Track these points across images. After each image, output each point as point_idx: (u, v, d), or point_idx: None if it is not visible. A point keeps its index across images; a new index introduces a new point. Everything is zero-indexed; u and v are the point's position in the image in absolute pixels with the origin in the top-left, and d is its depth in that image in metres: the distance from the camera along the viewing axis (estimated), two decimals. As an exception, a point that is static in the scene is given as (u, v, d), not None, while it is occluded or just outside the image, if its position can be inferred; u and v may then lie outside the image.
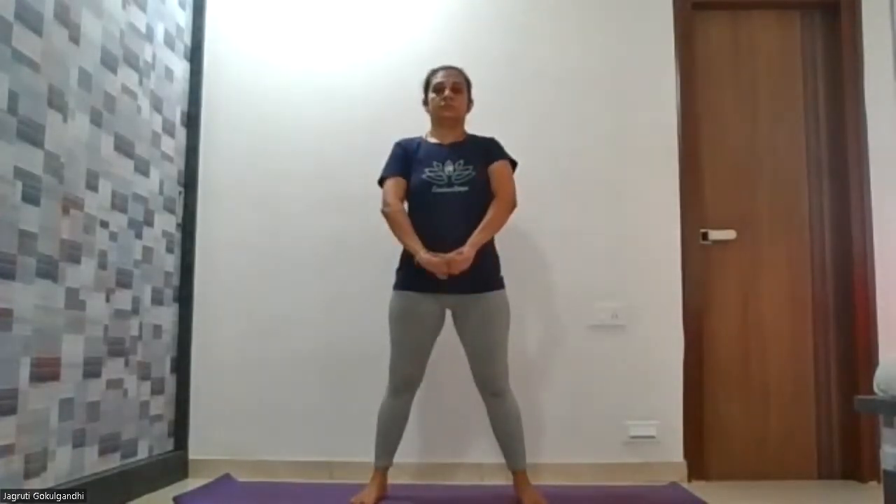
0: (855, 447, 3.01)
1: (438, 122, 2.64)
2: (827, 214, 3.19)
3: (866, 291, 3.04)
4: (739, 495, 2.74)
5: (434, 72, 2.66)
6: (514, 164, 2.64)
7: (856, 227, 3.09)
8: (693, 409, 3.02)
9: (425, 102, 2.68)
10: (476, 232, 2.45)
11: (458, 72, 2.66)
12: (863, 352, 3.01)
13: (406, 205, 2.58)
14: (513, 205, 2.56)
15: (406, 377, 2.53)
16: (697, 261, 3.10)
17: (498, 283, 2.54)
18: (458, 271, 2.40)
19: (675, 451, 3.00)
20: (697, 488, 2.83)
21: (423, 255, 2.42)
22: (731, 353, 3.12)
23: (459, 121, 2.65)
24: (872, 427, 2.90)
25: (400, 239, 2.52)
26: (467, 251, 2.41)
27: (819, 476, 3.06)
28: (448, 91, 2.59)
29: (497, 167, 2.58)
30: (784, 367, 3.11)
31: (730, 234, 3.14)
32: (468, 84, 2.67)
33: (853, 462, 3.02)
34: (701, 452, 3.01)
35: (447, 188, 2.50)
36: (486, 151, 2.60)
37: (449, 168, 2.53)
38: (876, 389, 2.08)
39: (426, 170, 2.53)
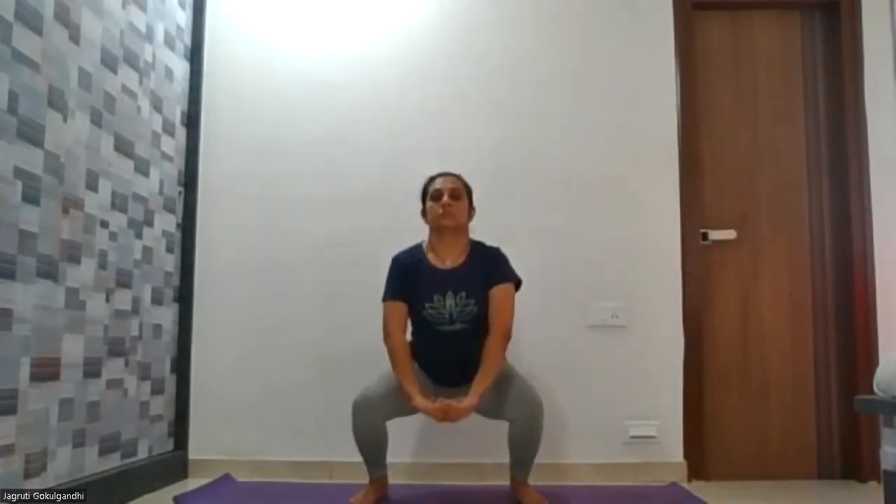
0: (855, 447, 3.01)
1: (437, 231, 2.49)
2: (827, 214, 3.19)
3: (866, 291, 3.04)
4: (739, 495, 2.74)
5: (431, 179, 2.53)
6: (518, 283, 2.51)
7: (856, 227, 3.08)
8: (693, 410, 3.02)
9: (423, 213, 2.54)
10: (478, 379, 2.33)
11: (457, 178, 2.52)
12: (863, 352, 3.01)
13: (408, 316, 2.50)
14: (509, 336, 2.42)
15: (372, 407, 2.37)
16: (697, 261, 3.10)
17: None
18: (457, 419, 2.28)
19: (675, 451, 3.00)
20: (697, 488, 2.83)
21: (420, 402, 2.31)
22: (731, 353, 3.12)
23: (460, 230, 2.50)
24: (872, 427, 2.90)
25: (397, 375, 2.40)
26: (469, 401, 2.29)
27: (819, 476, 3.06)
28: (446, 197, 2.44)
29: (498, 293, 2.43)
30: (784, 366, 3.11)
31: (730, 234, 3.14)
32: (468, 190, 2.53)
33: (853, 462, 3.02)
34: (701, 452, 3.01)
35: (448, 326, 2.42)
36: (488, 273, 2.46)
37: (450, 302, 2.42)
38: (876, 389, 2.07)
39: (427, 305, 2.43)
